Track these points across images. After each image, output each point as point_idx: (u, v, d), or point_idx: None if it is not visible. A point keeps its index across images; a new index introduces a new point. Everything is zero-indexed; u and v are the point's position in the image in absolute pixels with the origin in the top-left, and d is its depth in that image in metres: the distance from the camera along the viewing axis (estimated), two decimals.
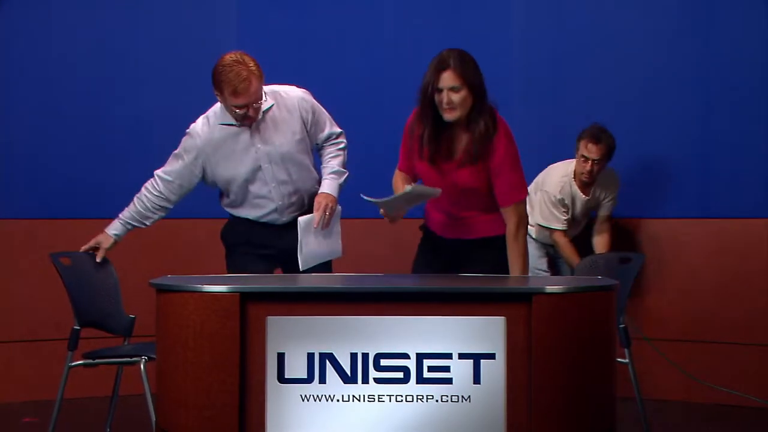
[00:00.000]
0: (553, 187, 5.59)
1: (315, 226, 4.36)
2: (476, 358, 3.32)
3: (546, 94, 6.00)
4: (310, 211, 4.42)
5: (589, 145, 5.47)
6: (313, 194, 4.48)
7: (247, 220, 4.51)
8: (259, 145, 4.39)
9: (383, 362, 3.32)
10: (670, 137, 5.82)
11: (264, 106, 4.36)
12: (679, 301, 5.71)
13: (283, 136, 4.42)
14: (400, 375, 3.32)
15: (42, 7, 5.91)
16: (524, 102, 5.97)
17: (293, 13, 6.06)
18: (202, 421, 3.30)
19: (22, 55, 5.88)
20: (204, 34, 5.97)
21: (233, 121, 4.37)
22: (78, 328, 4.22)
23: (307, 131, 4.47)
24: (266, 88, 4.38)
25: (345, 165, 4.56)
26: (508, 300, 3.35)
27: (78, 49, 5.92)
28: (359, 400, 3.32)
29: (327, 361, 3.32)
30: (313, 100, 4.51)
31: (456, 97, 4.03)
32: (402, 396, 3.32)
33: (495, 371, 3.32)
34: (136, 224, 4.47)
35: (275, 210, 4.48)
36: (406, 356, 3.32)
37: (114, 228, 4.46)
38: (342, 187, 4.50)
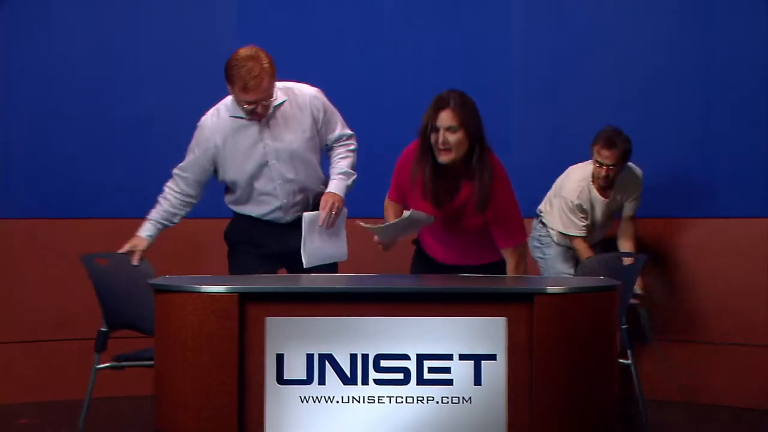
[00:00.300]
0: (570, 193, 5.43)
1: (320, 224, 4.34)
2: (477, 359, 3.31)
3: (546, 94, 5.99)
4: (315, 210, 4.41)
5: (603, 151, 5.32)
6: (318, 195, 4.47)
7: (251, 217, 4.50)
8: (267, 141, 4.38)
9: (383, 363, 3.32)
10: (670, 137, 5.81)
11: (275, 102, 4.36)
12: (679, 301, 5.70)
13: (293, 134, 4.41)
14: (400, 376, 3.32)
15: (42, 7, 5.90)
16: (524, 102, 5.96)
17: (293, 13, 6.05)
18: (200, 422, 3.29)
19: (22, 55, 5.87)
20: (204, 34, 5.97)
21: (243, 114, 4.36)
22: (105, 330, 4.19)
23: (317, 130, 4.46)
24: (279, 85, 4.37)
25: (354, 167, 4.54)
26: (509, 300, 3.35)
27: (78, 49, 5.92)
28: (359, 402, 3.31)
29: (326, 362, 3.31)
30: (326, 100, 4.50)
31: (452, 138, 4.02)
32: (402, 397, 3.32)
33: (496, 372, 3.31)
34: (165, 223, 4.47)
35: (279, 208, 4.46)
36: (406, 357, 3.32)
37: (146, 230, 4.44)
38: (350, 189, 4.49)
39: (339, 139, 4.54)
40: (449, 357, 3.32)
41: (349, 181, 4.50)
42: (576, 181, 5.45)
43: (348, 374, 3.31)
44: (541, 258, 5.56)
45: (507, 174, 4.16)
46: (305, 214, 4.37)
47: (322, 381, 3.31)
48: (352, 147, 4.57)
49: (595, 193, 5.44)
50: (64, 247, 5.72)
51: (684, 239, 5.79)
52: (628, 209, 5.57)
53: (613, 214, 5.58)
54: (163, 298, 3.40)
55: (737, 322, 5.64)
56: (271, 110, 4.36)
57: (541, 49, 6.00)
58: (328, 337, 3.32)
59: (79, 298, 5.72)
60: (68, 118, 5.91)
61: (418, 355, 3.32)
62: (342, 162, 4.52)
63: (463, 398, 3.31)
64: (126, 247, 4.42)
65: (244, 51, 4.26)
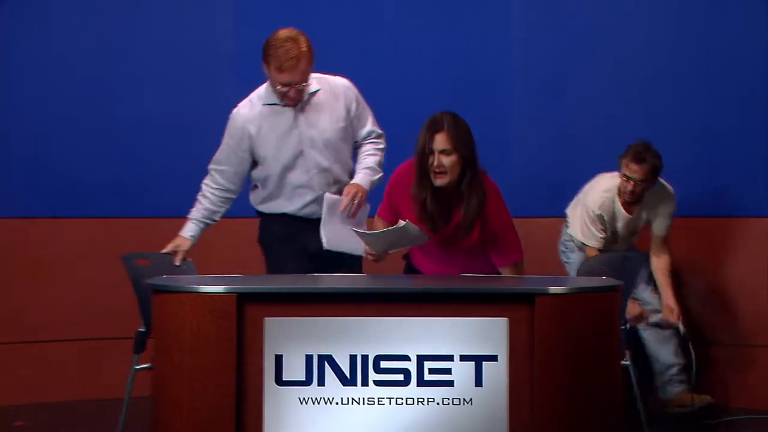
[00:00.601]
0: (593, 202, 5.25)
1: (341, 209, 4.28)
2: (478, 359, 3.30)
3: (546, 94, 5.98)
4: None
5: (631, 164, 5.12)
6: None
7: (283, 215, 4.43)
8: (302, 128, 4.35)
9: (383, 364, 3.31)
10: (670, 137, 5.80)
11: (310, 89, 4.33)
12: (679, 301, 5.69)
13: (328, 121, 4.38)
14: (400, 377, 3.31)
15: (42, 7, 5.89)
16: (524, 102, 5.95)
17: (292, 13, 6.04)
18: (198, 423, 3.28)
19: (22, 55, 5.86)
20: (204, 34, 5.96)
21: (277, 101, 4.33)
22: (144, 330, 4.14)
23: (350, 121, 4.42)
24: (313, 75, 4.35)
25: (381, 166, 4.48)
26: (510, 301, 3.34)
27: (78, 49, 5.91)
28: (359, 403, 3.30)
29: (326, 363, 3.30)
30: (358, 93, 4.49)
31: (446, 161, 4.04)
32: (402, 399, 3.31)
33: (497, 373, 3.30)
34: (207, 221, 4.43)
35: (314, 201, 4.38)
36: (406, 358, 3.31)
37: (189, 230, 4.40)
38: (373, 185, 4.43)
39: (369, 135, 4.50)
40: (450, 358, 3.31)
41: (375, 178, 4.44)
42: (601, 191, 5.28)
43: (348, 375, 3.30)
44: (566, 262, 5.48)
45: (500, 193, 4.18)
46: (327, 195, 4.30)
47: (321, 382, 3.30)
48: (381, 146, 4.52)
49: (619, 207, 5.27)
50: (64, 247, 5.71)
51: (683, 239, 5.77)
52: (658, 229, 5.35)
53: (637, 230, 5.40)
54: (162, 298, 3.39)
55: (737, 322, 5.63)
56: (305, 97, 4.33)
57: (541, 49, 5.99)
58: (327, 338, 3.31)
59: (78, 299, 5.73)
60: (68, 118, 5.90)
61: (418, 356, 3.31)
62: (369, 158, 4.47)
63: (464, 399, 3.30)
64: (169, 247, 4.36)
65: (284, 32, 4.25)
